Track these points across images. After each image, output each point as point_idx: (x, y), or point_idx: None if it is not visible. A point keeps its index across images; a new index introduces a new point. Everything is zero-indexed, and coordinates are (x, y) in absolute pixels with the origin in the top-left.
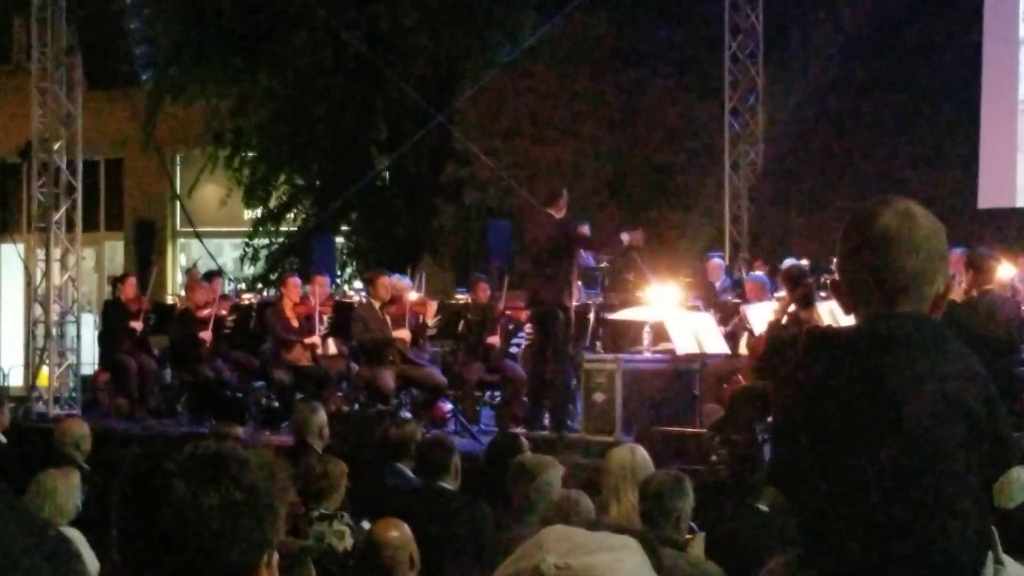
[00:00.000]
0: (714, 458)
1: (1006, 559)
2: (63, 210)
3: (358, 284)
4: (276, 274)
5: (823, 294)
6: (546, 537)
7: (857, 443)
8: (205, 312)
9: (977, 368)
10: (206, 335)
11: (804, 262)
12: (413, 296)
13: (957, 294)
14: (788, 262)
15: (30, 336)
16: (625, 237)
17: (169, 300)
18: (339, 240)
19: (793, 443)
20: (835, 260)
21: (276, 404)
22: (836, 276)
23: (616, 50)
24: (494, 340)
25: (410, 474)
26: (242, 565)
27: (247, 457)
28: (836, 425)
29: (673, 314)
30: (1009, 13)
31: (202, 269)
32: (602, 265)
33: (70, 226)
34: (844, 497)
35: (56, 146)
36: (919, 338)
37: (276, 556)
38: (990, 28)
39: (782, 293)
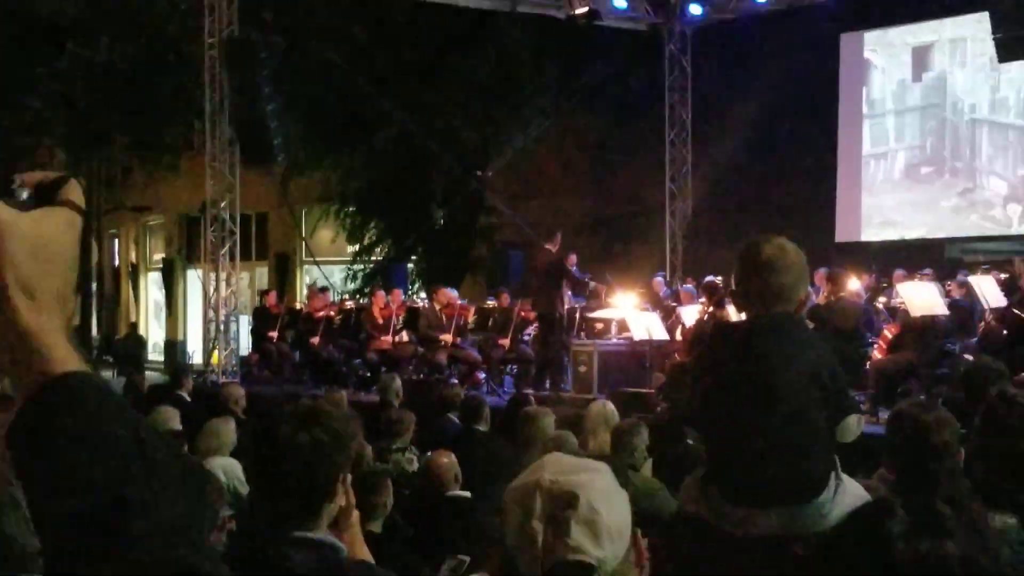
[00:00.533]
0: (659, 409)
1: (844, 476)
2: (227, 247)
3: (422, 295)
4: (367, 289)
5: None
6: (545, 461)
7: (746, 399)
8: (320, 314)
9: (826, 350)
10: (319, 330)
11: (718, 279)
12: (459, 302)
13: (821, 299)
14: (707, 279)
15: (206, 331)
16: (593, 283)
17: (297, 306)
18: (409, 266)
19: (705, 399)
20: (734, 276)
21: (368, 375)
22: (735, 288)
23: (593, 139)
24: (505, 341)
25: (457, 421)
26: (325, 483)
27: (331, 411)
28: (733, 386)
29: (631, 314)
30: (856, 97)
31: (318, 285)
32: (586, 286)
33: (231, 258)
34: (736, 435)
35: (223, 204)
36: (788, 329)
37: (349, 477)
38: (843, 107)
39: (703, 299)
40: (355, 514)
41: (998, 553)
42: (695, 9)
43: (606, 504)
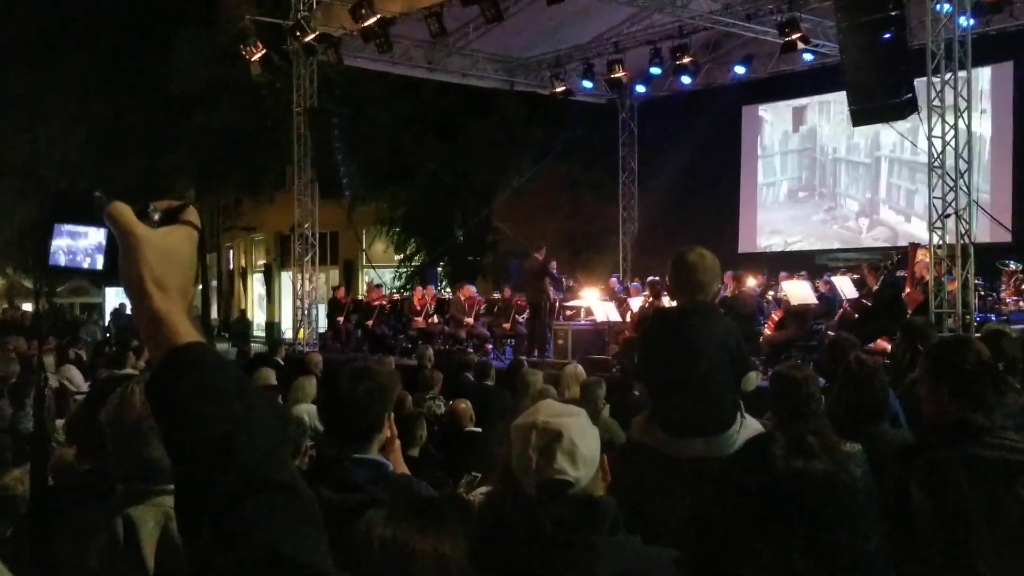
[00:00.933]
0: (615, 370)
1: (747, 416)
2: (309, 256)
3: (448, 290)
4: (409, 286)
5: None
6: (540, 406)
7: (678, 359)
8: (376, 303)
9: (733, 327)
10: (375, 315)
11: (657, 278)
12: (475, 295)
13: (728, 292)
14: (649, 278)
15: (295, 315)
16: (567, 281)
17: (359, 298)
18: (439, 269)
19: (647, 360)
20: (668, 275)
21: (409, 346)
22: (669, 284)
23: (568, 180)
24: (507, 323)
25: (472, 378)
26: (377, 418)
27: (379, 368)
28: (663, 350)
29: (595, 303)
30: (753, 143)
31: (375, 283)
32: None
33: (313, 264)
34: (672, 385)
35: (306, 225)
36: (706, 312)
37: (392, 415)
38: (744, 151)
39: (647, 293)
40: (397, 442)
41: (849, 471)
42: (640, 88)
43: (582, 439)
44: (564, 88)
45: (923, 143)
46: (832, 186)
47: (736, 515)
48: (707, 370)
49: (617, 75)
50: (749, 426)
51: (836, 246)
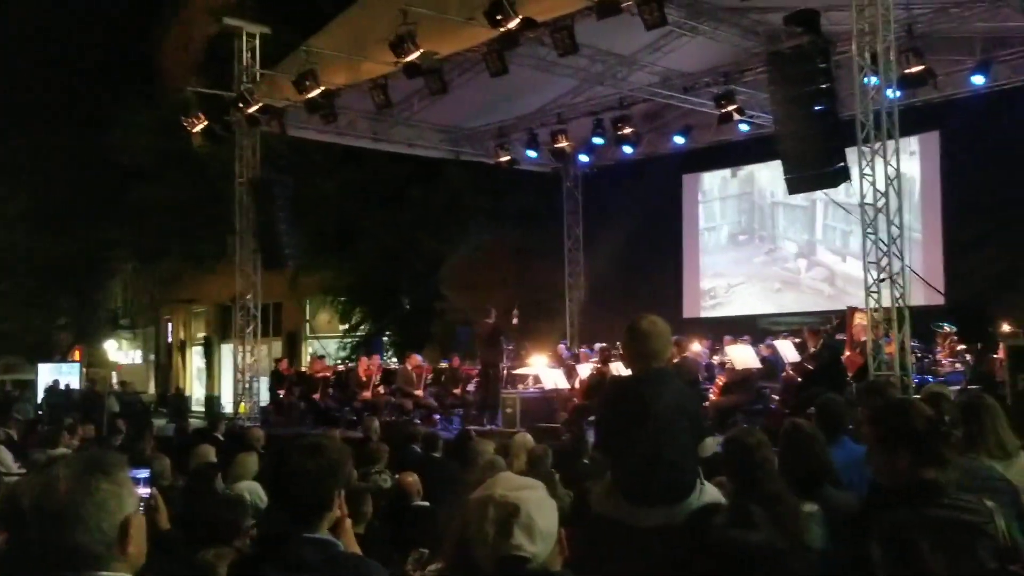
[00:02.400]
0: (564, 438)
1: (706, 483)
2: (251, 327)
3: (394, 360)
4: (354, 356)
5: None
6: (498, 478)
7: (632, 427)
8: (320, 375)
9: (689, 392)
10: (319, 387)
11: (605, 344)
12: (422, 364)
13: (676, 357)
14: (597, 345)
15: (236, 388)
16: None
17: (303, 370)
18: (384, 338)
19: (606, 429)
20: (622, 343)
21: (355, 418)
22: (624, 351)
23: (514, 247)
24: (457, 391)
25: (419, 450)
26: (326, 497)
27: (329, 444)
28: (623, 418)
29: (543, 370)
30: (694, 189)
31: (319, 354)
32: (511, 346)
33: (254, 335)
34: (632, 453)
35: (248, 296)
36: (663, 378)
37: (343, 492)
38: (686, 219)
39: (595, 359)
40: (348, 521)
41: (803, 535)
42: (584, 158)
43: (540, 513)
44: (509, 157)
45: (857, 210)
46: (771, 228)
47: None
48: (667, 436)
49: (561, 145)
50: (709, 494)
51: (776, 287)
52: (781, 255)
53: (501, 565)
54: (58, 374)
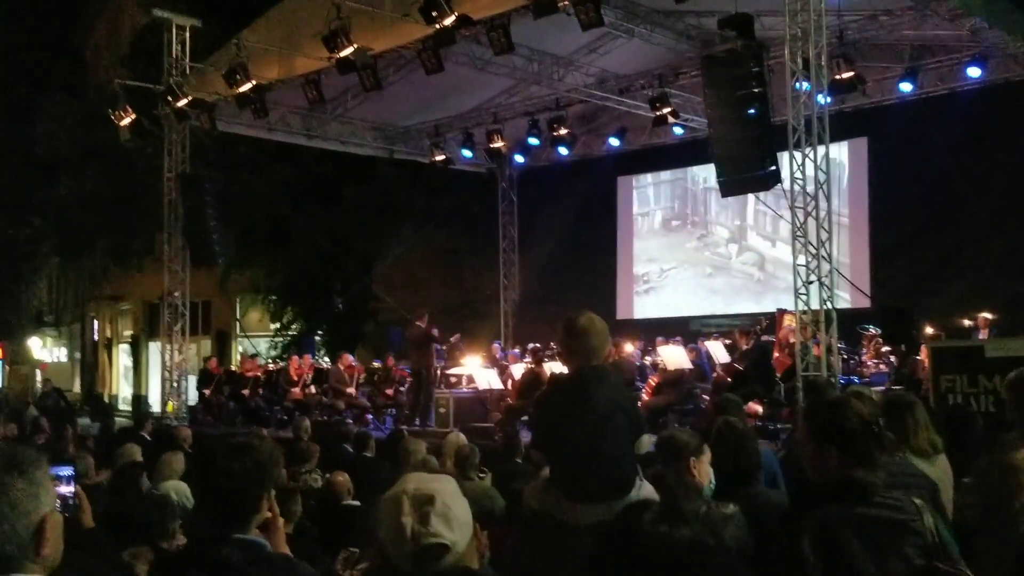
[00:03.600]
0: (496, 438)
1: (644, 480)
2: (179, 325)
3: (326, 359)
4: (285, 355)
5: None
6: (407, 477)
7: (571, 424)
8: (250, 374)
9: (628, 391)
10: (249, 386)
11: (538, 345)
12: (355, 364)
13: (612, 358)
14: (531, 345)
15: (163, 387)
16: (454, 339)
17: (233, 368)
18: (316, 338)
19: (545, 426)
20: (559, 340)
21: (285, 418)
22: (561, 348)
23: (448, 247)
24: (389, 392)
25: (350, 450)
26: (255, 499)
27: (257, 444)
28: (562, 417)
29: (476, 370)
30: (627, 211)
31: (249, 353)
32: (443, 349)
33: (183, 334)
34: (571, 450)
35: (176, 294)
36: (602, 376)
37: (273, 493)
38: (620, 212)
39: (528, 359)
40: (280, 521)
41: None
42: (519, 158)
43: (455, 502)
44: (444, 157)
45: (787, 213)
46: (703, 214)
47: None
48: (607, 432)
49: (496, 145)
50: (646, 490)
51: (708, 271)
52: (713, 240)
53: (420, 556)
54: None
